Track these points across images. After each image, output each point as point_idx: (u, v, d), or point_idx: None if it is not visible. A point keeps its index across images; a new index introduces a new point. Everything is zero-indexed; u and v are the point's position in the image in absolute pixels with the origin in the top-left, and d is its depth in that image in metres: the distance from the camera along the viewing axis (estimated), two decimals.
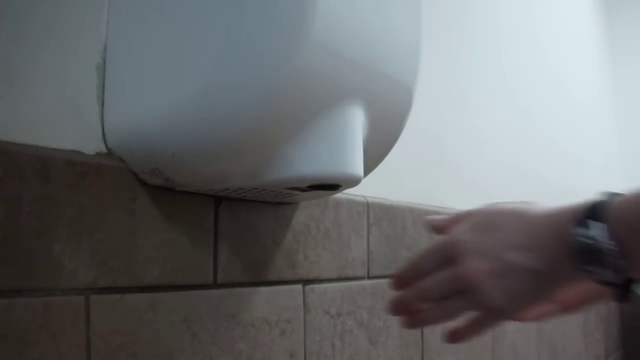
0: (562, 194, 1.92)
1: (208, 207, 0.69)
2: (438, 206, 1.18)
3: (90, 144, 0.60)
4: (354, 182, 0.63)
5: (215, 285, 0.70)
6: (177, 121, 0.56)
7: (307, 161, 0.59)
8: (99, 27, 0.61)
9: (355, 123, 0.61)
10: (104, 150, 0.61)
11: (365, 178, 0.66)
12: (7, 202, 0.51)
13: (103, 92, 0.61)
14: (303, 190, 0.65)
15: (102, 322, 0.58)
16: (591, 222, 0.44)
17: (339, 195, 0.86)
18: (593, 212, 0.45)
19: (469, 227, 0.51)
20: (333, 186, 0.63)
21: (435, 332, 1.13)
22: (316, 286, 0.84)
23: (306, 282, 0.82)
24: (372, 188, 0.97)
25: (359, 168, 0.62)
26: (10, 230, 0.51)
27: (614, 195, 0.46)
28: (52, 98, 0.57)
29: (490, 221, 0.50)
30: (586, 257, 0.44)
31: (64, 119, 0.58)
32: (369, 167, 0.69)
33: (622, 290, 0.45)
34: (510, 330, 1.45)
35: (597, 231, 0.43)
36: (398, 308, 0.56)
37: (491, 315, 0.50)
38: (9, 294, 0.51)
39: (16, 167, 0.52)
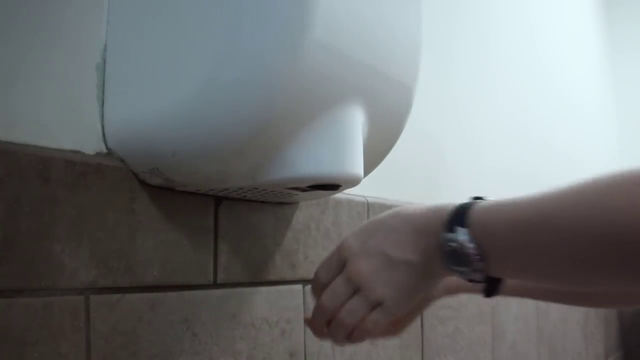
0: None
1: (208, 207, 0.69)
2: None
3: (90, 144, 0.60)
4: (354, 182, 0.63)
5: (215, 285, 0.70)
6: (177, 121, 0.56)
7: (307, 161, 0.59)
8: (99, 27, 0.61)
9: (356, 123, 0.61)
10: (104, 150, 0.61)
11: (365, 178, 0.66)
12: (7, 202, 0.51)
13: (103, 92, 0.61)
14: (303, 190, 0.65)
15: (102, 322, 0.58)
16: (456, 227, 0.49)
17: (339, 195, 0.86)
18: (459, 217, 0.50)
19: (354, 233, 0.56)
20: (333, 186, 0.63)
21: (435, 332, 1.14)
22: None
23: (306, 282, 0.82)
24: (372, 188, 0.97)
25: (359, 168, 0.62)
26: (10, 230, 0.51)
27: (478, 200, 0.51)
28: (52, 98, 0.57)
29: (372, 225, 0.55)
30: (452, 258, 0.49)
31: (64, 119, 0.58)
32: (369, 167, 0.69)
33: (488, 286, 0.52)
34: (510, 330, 1.45)
35: (460, 235, 0.48)
36: (316, 324, 0.59)
37: (382, 309, 0.53)
38: (9, 294, 0.51)
39: (16, 167, 0.52)
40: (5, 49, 0.53)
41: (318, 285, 0.58)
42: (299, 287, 0.82)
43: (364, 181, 0.66)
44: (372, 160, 0.70)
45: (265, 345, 0.76)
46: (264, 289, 0.76)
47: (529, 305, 1.57)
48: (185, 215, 0.66)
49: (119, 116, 0.60)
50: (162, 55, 0.57)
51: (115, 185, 0.59)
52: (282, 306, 0.79)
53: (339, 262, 0.56)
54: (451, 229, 0.49)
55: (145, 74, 0.58)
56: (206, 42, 0.54)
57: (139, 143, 0.59)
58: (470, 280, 0.51)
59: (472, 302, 1.28)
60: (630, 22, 2.75)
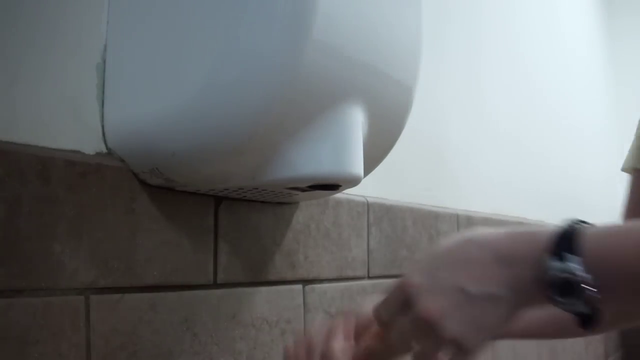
0: (561, 198, 1.92)
1: (208, 207, 0.69)
2: (438, 206, 1.18)
3: (90, 144, 0.60)
4: (354, 182, 0.63)
5: (215, 285, 0.70)
6: (177, 121, 0.56)
7: (307, 161, 0.59)
8: (99, 27, 0.61)
9: (356, 123, 0.61)
10: (104, 150, 0.61)
11: (365, 178, 0.66)
12: (7, 202, 0.51)
13: (103, 92, 0.61)
14: (303, 190, 0.65)
15: (102, 322, 0.58)
16: (567, 255, 0.44)
17: (339, 195, 0.86)
18: (565, 244, 0.44)
19: (419, 266, 0.48)
20: (333, 186, 0.63)
21: None
22: (316, 286, 0.84)
23: (306, 282, 0.82)
24: (372, 188, 0.97)
25: (359, 168, 0.62)
26: (10, 230, 0.51)
27: (584, 225, 0.46)
28: (52, 98, 0.57)
29: (440, 256, 0.48)
30: (561, 289, 0.44)
31: (64, 119, 0.58)
32: (369, 167, 0.69)
33: (589, 319, 0.45)
34: None
35: (573, 265, 0.43)
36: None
37: (460, 352, 0.47)
38: (9, 294, 0.51)
39: (16, 167, 0.52)
40: (5, 49, 0.53)
41: (381, 323, 0.51)
42: (299, 287, 0.82)
43: (364, 181, 0.66)
44: (372, 160, 0.70)
45: (265, 345, 0.76)
46: (264, 289, 0.76)
47: None
48: (185, 215, 0.66)
49: (119, 116, 0.60)
50: (162, 55, 0.57)
51: (115, 185, 0.59)
52: (282, 306, 0.79)
53: (403, 301, 0.48)
54: (559, 257, 0.43)
55: (145, 74, 0.58)
56: (206, 42, 0.54)
57: (139, 143, 0.59)
58: (572, 312, 0.45)
59: None
60: (630, 15, 2.74)
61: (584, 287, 0.43)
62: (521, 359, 1.50)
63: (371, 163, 0.71)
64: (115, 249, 0.59)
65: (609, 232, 0.45)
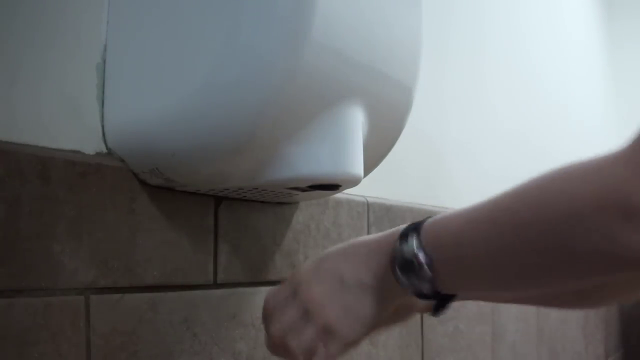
0: None
1: (208, 207, 0.69)
2: (438, 206, 1.18)
3: (90, 144, 0.60)
4: (354, 182, 0.63)
5: (215, 285, 0.70)
6: (177, 121, 0.56)
7: (307, 161, 0.59)
8: (99, 27, 0.61)
9: (355, 123, 0.61)
10: (104, 150, 0.61)
11: (365, 178, 0.66)
12: (7, 202, 0.51)
13: (103, 92, 0.61)
14: (303, 190, 0.65)
15: (102, 322, 0.58)
16: (409, 238, 0.49)
17: (339, 195, 0.86)
18: (412, 228, 0.50)
19: (309, 261, 0.55)
20: (333, 186, 0.63)
21: (435, 332, 1.13)
22: None
23: None
24: (372, 188, 0.97)
25: (359, 168, 0.62)
26: (10, 230, 0.51)
27: (432, 216, 0.51)
28: (52, 98, 0.57)
29: (327, 252, 0.55)
30: (401, 266, 0.49)
31: (64, 119, 0.58)
32: (369, 167, 0.69)
33: (438, 303, 0.51)
34: (510, 330, 1.45)
35: (410, 244, 0.49)
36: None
37: (333, 337, 0.52)
38: (9, 294, 0.51)
39: (16, 167, 0.52)
40: (5, 49, 0.53)
41: (267, 314, 0.56)
42: None
43: (364, 181, 0.66)
44: (372, 160, 0.70)
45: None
46: (264, 289, 0.76)
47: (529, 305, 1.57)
48: (185, 215, 0.66)
49: (119, 116, 0.60)
50: (162, 55, 0.57)
51: (115, 185, 0.59)
52: None
53: (290, 290, 0.54)
54: (404, 240, 0.49)
55: (145, 74, 0.58)
56: (206, 42, 0.54)
57: (139, 143, 0.59)
58: (421, 296, 0.50)
59: (472, 302, 1.28)
60: (629, 19, 2.74)
61: (418, 264, 0.48)
62: (521, 358, 1.50)
63: (371, 163, 0.71)
64: (115, 249, 0.59)
65: (444, 216, 0.50)
